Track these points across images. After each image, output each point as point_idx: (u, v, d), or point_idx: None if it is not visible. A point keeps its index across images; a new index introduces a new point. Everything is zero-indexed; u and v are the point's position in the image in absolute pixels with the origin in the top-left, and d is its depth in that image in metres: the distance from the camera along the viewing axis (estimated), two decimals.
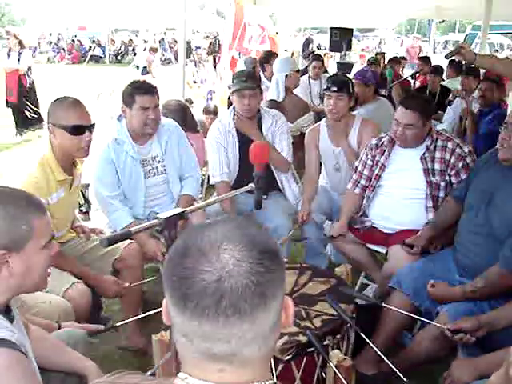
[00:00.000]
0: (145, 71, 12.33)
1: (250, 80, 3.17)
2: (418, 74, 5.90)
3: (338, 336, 1.97)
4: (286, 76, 4.49)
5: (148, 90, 2.75)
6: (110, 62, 22.30)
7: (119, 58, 23.37)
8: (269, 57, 5.53)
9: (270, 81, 4.97)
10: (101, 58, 22.70)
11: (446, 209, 2.68)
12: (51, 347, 1.63)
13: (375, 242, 2.98)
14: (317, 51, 12.32)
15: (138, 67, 12.93)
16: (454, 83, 6.00)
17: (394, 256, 2.73)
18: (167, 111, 3.49)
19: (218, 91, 9.15)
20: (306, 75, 6.00)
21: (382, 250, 2.95)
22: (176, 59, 17.91)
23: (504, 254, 2.12)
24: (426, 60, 7.41)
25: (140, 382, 0.85)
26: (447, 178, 2.74)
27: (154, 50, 14.33)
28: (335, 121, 3.29)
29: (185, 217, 1.38)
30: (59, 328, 1.88)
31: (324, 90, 3.31)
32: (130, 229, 1.37)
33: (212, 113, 5.28)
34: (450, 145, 2.75)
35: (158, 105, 2.84)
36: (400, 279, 2.49)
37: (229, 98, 5.66)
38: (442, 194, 2.77)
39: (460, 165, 2.71)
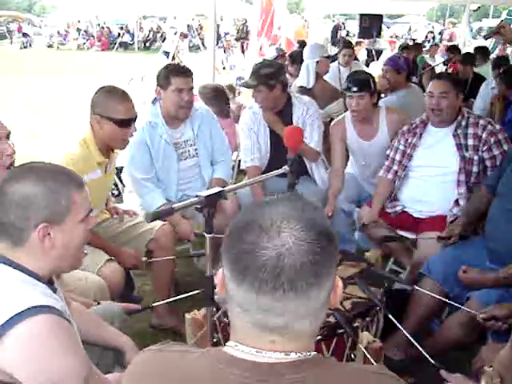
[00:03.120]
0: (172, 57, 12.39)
1: (258, 78, 3.12)
2: (449, 63, 5.81)
3: (368, 319, 1.99)
4: (317, 62, 4.47)
5: (183, 71, 2.80)
6: (138, 49, 22.47)
7: (148, 44, 23.52)
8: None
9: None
10: (130, 44, 22.90)
11: (479, 196, 2.67)
12: (90, 322, 1.69)
13: (405, 228, 2.98)
14: (346, 38, 12.21)
15: (167, 53, 12.97)
16: (485, 70, 5.89)
17: (425, 243, 2.73)
18: (205, 95, 3.51)
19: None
20: (336, 62, 5.96)
21: (411, 235, 2.95)
22: (204, 45, 17.97)
23: None
24: (454, 48, 7.28)
25: (189, 349, 0.89)
26: (480, 153, 2.76)
27: (184, 36, 14.34)
28: (359, 121, 3.26)
29: (223, 196, 1.42)
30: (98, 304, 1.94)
31: (344, 89, 3.25)
32: (173, 205, 1.41)
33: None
34: (481, 121, 2.79)
35: (193, 87, 2.87)
36: (430, 266, 2.50)
37: None
38: (475, 169, 2.78)
39: (492, 140, 2.72)
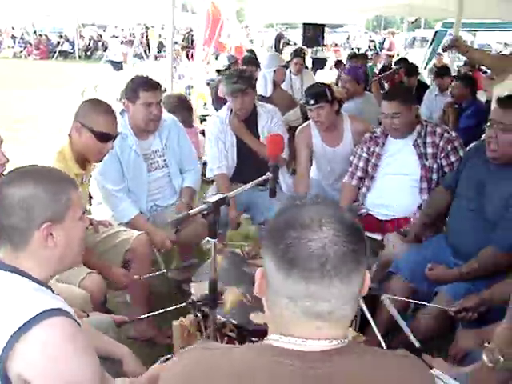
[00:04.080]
0: (118, 66, 12.19)
1: (240, 80, 3.24)
2: (397, 72, 6.11)
3: None
4: (274, 71, 4.59)
5: (152, 85, 2.81)
6: (79, 58, 21.95)
7: (89, 53, 23.01)
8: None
9: None
10: (70, 53, 22.31)
11: (437, 197, 2.84)
12: (89, 332, 1.69)
13: (371, 230, 3.12)
14: (288, 47, 12.48)
15: (112, 62, 12.76)
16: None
17: (391, 243, 2.88)
18: (167, 104, 3.54)
19: (195, 86, 9.17)
20: (287, 70, 6.10)
21: (377, 237, 3.09)
22: (147, 55, 17.81)
23: (497, 235, 2.29)
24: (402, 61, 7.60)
25: (230, 346, 0.95)
26: (438, 160, 2.93)
27: (129, 43, 14.14)
28: (325, 131, 3.38)
29: (226, 202, 1.48)
30: (87, 316, 1.94)
31: (304, 104, 3.37)
32: (189, 211, 1.46)
33: None
34: (438, 130, 2.96)
35: (161, 100, 2.91)
36: (398, 264, 2.64)
37: (215, 93, 5.77)
38: (434, 177, 2.95)
39: (449, 148, 2.90)
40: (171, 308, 2.11)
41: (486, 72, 8.77)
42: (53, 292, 1.38)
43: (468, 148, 2.82)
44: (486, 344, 1.10)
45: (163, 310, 2.12)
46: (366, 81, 5.03)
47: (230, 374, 0.89)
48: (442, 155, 2.91)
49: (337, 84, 4.99)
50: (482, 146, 2.54)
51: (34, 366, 1.20)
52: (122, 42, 13.63)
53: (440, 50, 10.19)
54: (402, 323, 1.96)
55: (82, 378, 1.26)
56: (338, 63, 8.08)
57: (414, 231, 2.81)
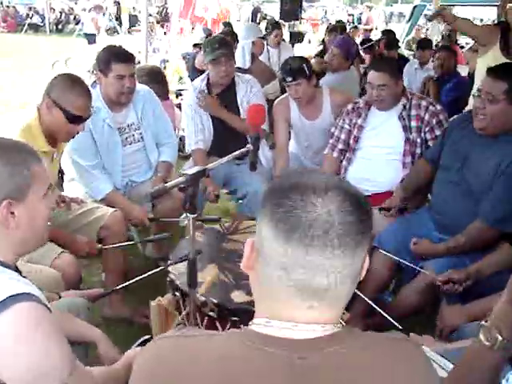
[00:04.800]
0: (92, 39, 11.81)
1: (223, 46, 3.13)
2: (379, 44, 6.01)
3: None
4: (253, 43, 4.46)
5: (125, 57, 2.68)
6: (50, 32, 21.26)
7: (60, 27, 22.29)
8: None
9: None
10: (40, 26, 21.58)
11: (418, 170, 2.78)
12: (59, 317, 1.59)
13: None
14: (264, 21, 12.24)
15: (87, 35, 12.35)
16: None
17: (373, 218, 2.81)
18: (143, 76, 3.40)
19: (171, 60, 8.96)
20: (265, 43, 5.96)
21: None
22: (121, 28, 17.34)
23: (483, 210, 2.24)
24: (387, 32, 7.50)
25: (213, 332, 0.86)
26: (422, 134, 2.85)
27: (99, 9, 13.57)
28: (304, 105, 3.28)
29: (206, 174, 1.39)
30: (59, 298, 1.84)
31: (281, 81, 3.26)
32: (166, 185, 1.36)
33: None
34: (424, 102, 2.87)
35: (135, 73, 2.77)
36: (381, 239, 2.59)
37: (192, 64, 5.61)
38: (418, 151, 2.87)
39: (434, 121, 2.82)
40: (146, 274, 2.00)
41: (463, 47, 8.77)
42: (20, 274, 1.27)
43: (451, 119, 2.75)
44: (483, 322, 1.03)
45: (138, 278, 2.00)
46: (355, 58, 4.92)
47: (208, 366, 0.80)
48: (427, 129, 2.84)
49: (322, 56, 4.85)
50: (466, 117, 2.48)
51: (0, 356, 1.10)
52: (89, 10, 13.04)
53: (421, 22, 10.11)
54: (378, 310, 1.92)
55: (51, 367, 1.16)
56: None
57: (395, 205, 2.75)
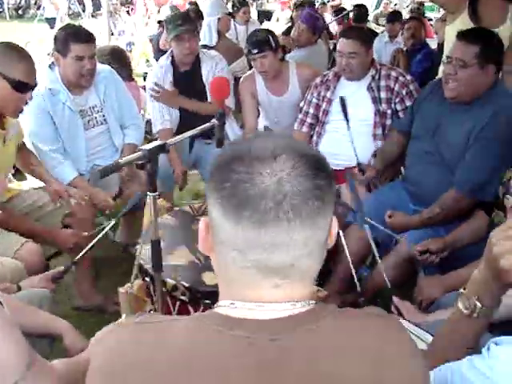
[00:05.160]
0: (54, 24, 11.43)
1: (186, 23, 3.02)
2: (347, 18, 5.95)
3: None
4: (218, 20, 4.33)
5: (85, 37, 2.54)
6: (10, 17, 20.55)
7: (21, 12, 21.55)
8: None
9: None
10: None
11: (391, 142, 2.74)
12: (20, 310, 1.51)
13: None
14: None
15: (49, 20, 11.97)
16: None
17: (345, 192, 2.77)
18: (104, 57, 3.26)
19: (137, 43, 8.75)
20: (232, 21, 5.82)
21: None
22: (84, 11, 16.87)
23: (457, 178, 2.21)
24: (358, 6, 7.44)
25: (174, 317, 0.79)
26: (393, 105, 2.80)
27: None
28: (270, 80, 3.19)
29: (166, 149, 1.30)
30: (19, 289, 1.75)
31: (247, 54, 3.17)
32: (119, 160, 1.27)
33: None
34: (393, 73, 2.82)
35: (95, 54, 2.64)
36: (355, 213, 2.54)
37: (157, 42, 5.44)
38: (388, 122, 2.83)
39: (404, 92, 2.77)
40: (96, 239, 1.92)
41: (431, 19, 8.76)
42: None
43: (422, 89, 2.70)
44: (461, 290, 0.98)
45: (91, 244, 1.92)
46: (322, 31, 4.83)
47: (171, 354, 0.72)
48: (397, 100, 2.78)
49: (288, 33, 4.75)
50: (435, 86, 2.43)
51: None
52: None
53: None
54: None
55: (5, 364, 1.07)
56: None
57: (370, 176, 2.70)
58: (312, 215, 0.69)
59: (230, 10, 5.37)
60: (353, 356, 0.71)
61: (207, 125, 1.75)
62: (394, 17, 5.69)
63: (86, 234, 2.27)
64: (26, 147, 2.57)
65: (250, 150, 0.72)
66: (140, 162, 1.23)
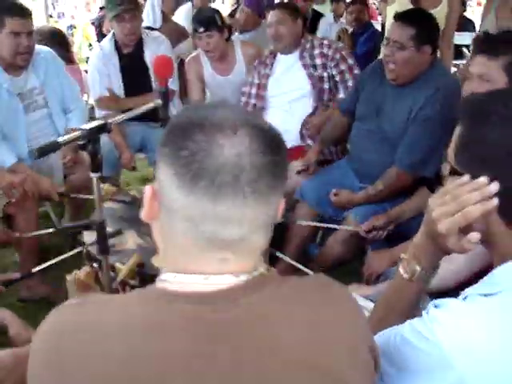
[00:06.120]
0: None
1: (126, 1, 2.94)
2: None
3: None
4: (163, 0, 4.23)
5: (21, 11, 2.43)
6: None
7: None
8: None
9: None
10: None
11: (334, 123, 2.78)
12: None
13: None
14: None
15: None
16: (324, 8, 6.14)
17: (294, 171, 2.79)
18: (42, 38, 3.13)
19: (78, 26, 8.46)
20: (189, 4, 5.67)
21: None
22: None
23: (399, 155, 2.27)
24: None
25: (113, 296, 0.77)
26: (329, 70, 2.89)
27: None
28: (216, 60, 3.19)
29: (107, 129, 1.26)
30: None
31: (193, 31, 3.15)
32: (58, 140, 1.22)
33: None
34: (325, 41, 2.96)
35: (33, 31, 2.53)
36: (303, 191, 2.58)
37: (99, 27, 5.27)
38: (326, 86, 2.92)
39: (338, 56, 2.87)
40: (63, 256, 1.87)
41: (374, 2, 8.88)
42: None
43: (364, 69, 2.75)
44: (403, 255, 1.02)
45: (55, 260, 1.87)
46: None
47: (111, 333, 0.70)
48: (332, 64, 2.88)
49: (233, 16, 4.69)
50: (377, 66, 2.48)
51: None
52: None
53: None
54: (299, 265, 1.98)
55: None
56: None
57: (311, 162, 2.73)
58: (267, 192, 0.70)
59: None
60: (290, 321, 0.72)
61: (150, 105, 1.71)
62: None
63: (17, 235, 2.23)
64: None
65: (210, 118, 0.70)
66: (81, 143, 1.19)
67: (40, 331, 0.76)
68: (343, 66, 2.86)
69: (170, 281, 0.73)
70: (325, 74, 2.87)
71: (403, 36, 2.16)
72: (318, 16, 6.00)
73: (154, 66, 1.85)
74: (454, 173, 0.93)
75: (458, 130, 0.94)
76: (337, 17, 5.57)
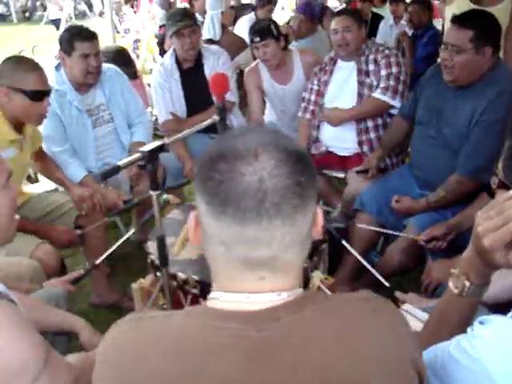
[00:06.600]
0: (59, 24, 11.48)
1: (185, 18, 3.05)
2: (350, 3, 5.88)
3: (315, 259, 2.02)
4: (222, 13, 4.35)
5: (88, 35, 2.59)
6: (18, 20, 20.72)
7: (27, 15, 21.71)
8: None
9: (201, 16, 4.82)
10: (7, 16, 21.00)
11: (394, 128, 2.76)
12: (37, 308, 1.57)
13: (333, 168, 3.03)
14: None
15: (54, 21, 12.03)
16: (384, 10, 6.05)
17: (354, 179, 2.79)
18: (108, 57, 3.31)
19: (143, 40, 8.77)
20: (251, 14, 5.78)
21: (340, 174, 3.01)
22: (91, 11, 16.91)
23: (461, 162, 2.22)
24: None
25: (171, 312, 0.82)
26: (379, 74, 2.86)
27: None
28: (273, 69, 3.23)
29: (165, 149, 1.34)
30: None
31: (250, 42, 3.21)
32: (118, 163, 1.31)
33: None
34: (381, 48, 2.92)
35: (99, 51, 2.69)
36: (363, 200, 2.57)
37: (161, 44, 5.48)
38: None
39: (384, 62, 2.83)
40: (118, 243, 2.01)
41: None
42: None
43: (424, 74, 2.71)
44: (453, 270, 1.01)
45: (113, 248, 1.99)
46: (321, 15, 4.82)
47: (166, 348, 0.75)
48: (382, 65, 2.84)
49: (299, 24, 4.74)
50: (436, 70, 2.43)
51: None
52: None
53: None
54: (366, 264, 1.89)
55: (27, 361, 1.12)
56: None
57: (372, 166, 2.73)
58: (292, 212, 0.72)
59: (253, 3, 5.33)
60: (339, 344, 0.74)
61: (208, 121, 1.77)
62: None
63: (79, 232, 2.36)
64: (44, 152, 2.64)
65: (233, 147, 0.74)
66: (141, 163, 1.27)
67: (102, 344, 0.83)
68: (394, 69, 2.81)
69: (218, 299, 0.78)
70: (375, 83, 2.84)
71: (461, 39, 2.11)
72: (377, 18, 5.94)
73: (210, 83, 1.91)
74: (503, 186, 0.92)
75: (507, 144, 0.92)
76: (397, 18, 5.46)
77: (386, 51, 2.86)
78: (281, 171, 0.72)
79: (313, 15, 4.21)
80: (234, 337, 0.73)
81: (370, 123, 2.88)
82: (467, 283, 0.97)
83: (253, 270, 0.75)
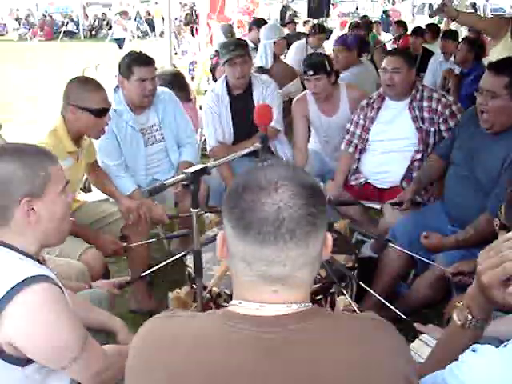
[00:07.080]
0: (122, 44, 12.10)
1: (238, 48, 3.23)
2: (400, 39, 5.98)
3: (343, 284, 2.11)
4: (274, 43, 4.54)
5: (146, 61, 2.81)
6: (84, 38, 21.84)
7: (94, 32, 22.88)
8: (259, 22, 5.61)
9: (254, 44, 5.05)
10: (75, 33, 22.21)
11: (430, 164, 2.83)
12: (80, 306, 1.72)
13: (370, 199, 3.11)
14: (295, 18, 12.27)
15: (117, 40, 12.67)
16: (434, 46, 6.11)
17: (389, 211, 2.87)
18: (163, 81, 3.54)
19: (199, 62, 9.12)
20: (303, 41, 6.00)
21: (376, 206, 3.09)
22: (153, 31, 17.65)
23: (490, 202, 2.27)
24: (401, 24, 7.48)
25: (196, 313, 0.97)
26: (436, 126, 2.90)
27: (125, 14, 13.94)
28: (322, 101, 3.35)
29: (207, 172, 1.49)
30: (90, 287, 1.99)
31: (303, 74, 3.34)
32: (164, 182, 1.47)
33: None
34: (435, 95, 2.92)
35: (155, 76, 2.90)
36: (395, 232, 2.64)
37: (212, 69, 5.75)
38: (431, 141, 2.93)
39: (447, 112, 2.86)
40: (167, 262, 2.14)
41: None
42: (39, 262, 1.41)
43: (463, 115, 2.78)
44: (457, 303, 1.10)
45: (160, 265, 2.14)
46: (362, 48, 4.94)
47: (188, 341, 0.90)
48: (441, 120, 2.88)
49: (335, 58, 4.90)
50: (473, 113, 2.49)
51: (20, 331, 1.24)
52: (115, 15, 13.43)
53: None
54: (381, 299, 2.01)
55: (68, 342, 1.30)
56: None
57: (406, 199, 2.79)
58: (304, 237, 0.87)
59: (306, 32, 5.53)
60: (335, 354, 0.86)
61: (250, 148, 1.92)
62: (448, 34, 5.62)
63: (125, 244, 2.54)
64: (98, 164, 2.86)
65: (258, 180, 0.89)
66: (184, 183, 1.42)
67: (136, 336, 0.98)
68: (452, 123, 2.83)
69: (236, 305, 0.92)
70: (432, 129, 2.89)
71: (496, 85, 2.19)
72: (428, 54, 6.00)
73: (255, 113, 2.05)
74: (504, 228, 1.00)
75: (509, 188, 1.01)
76: (446, 55, 5.49)
77: (443, 99, 2.88)
78: (296, 202, 0.86)
79: (346, 44, 4.33)
80: (245, 336, 0.87)
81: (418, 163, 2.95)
82: (469, 316, 1.07)
83: (268, 284, 0.89)
